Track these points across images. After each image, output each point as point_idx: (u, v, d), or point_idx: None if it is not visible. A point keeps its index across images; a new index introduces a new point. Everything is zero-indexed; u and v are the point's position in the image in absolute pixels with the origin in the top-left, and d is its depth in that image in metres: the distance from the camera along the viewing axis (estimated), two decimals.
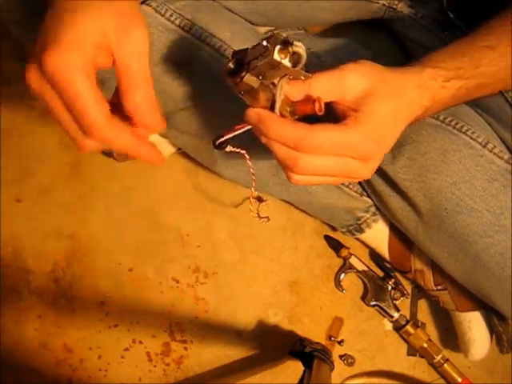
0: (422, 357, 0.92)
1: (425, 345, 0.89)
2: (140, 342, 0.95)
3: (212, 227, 0.97)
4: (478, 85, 0.54)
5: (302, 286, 0.96)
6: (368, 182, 0.79)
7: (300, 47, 0.45)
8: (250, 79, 0.46)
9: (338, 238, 0.95)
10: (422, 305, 0.95)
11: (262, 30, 0.82)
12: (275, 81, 0.47)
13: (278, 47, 0.44)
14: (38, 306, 0.96)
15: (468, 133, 0.67)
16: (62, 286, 0.96)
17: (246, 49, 0.46)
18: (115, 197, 0.99)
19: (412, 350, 0.92)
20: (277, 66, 0.45)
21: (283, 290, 0.96)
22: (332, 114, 0.50)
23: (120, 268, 0.97)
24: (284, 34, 0.45)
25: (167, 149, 0.96)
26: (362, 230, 0.87)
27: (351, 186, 0.82)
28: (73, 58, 0.40)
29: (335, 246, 0.95)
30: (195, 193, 0.97)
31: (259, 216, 0.74)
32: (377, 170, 0.73)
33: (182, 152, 0.97)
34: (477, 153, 0.66)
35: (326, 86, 0.48)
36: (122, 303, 0.96)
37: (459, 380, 0.89)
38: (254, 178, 0.57)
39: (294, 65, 0.45)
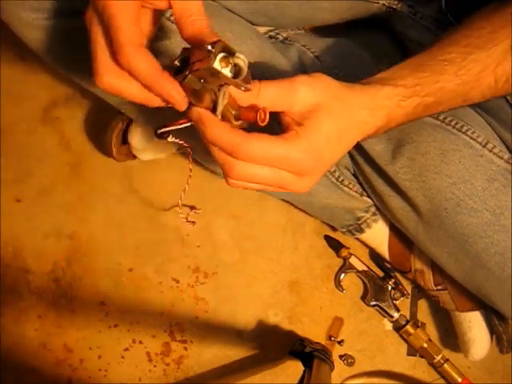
0: (422, 357, 0.92)
1: (425, 345, 0.89)
2: (140, 342, 0.95)
3: (212, 227, 0.97)
4: (435, 102, 0.53)
5: (302, 285, 0.96)
6: (368, 181, 0.79)
7: (241, 59, 0.44)
8: (192, 80, 0.46)
9: (338, 238, 0.95)
10: (422, 305, 0.94)
11: (263, 29, 0.82)
12: (222, 83, 0.46)
13: (220, 55, 0.44)
14: (37, 306, 0.96)
15: (468, 133, 0.67)
16: (62, 286, 0.97)
17: (194, 47, 0.46)
18: (115, 197, 0.99)
19: (412, 350, 0.92)
20: (216, 73, 0.44)
21: (283, 290, 0.96)
22: (278, 124, 0.49)
23: (120, 268, 0.97)
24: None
25: (167, 149, 0.96)
26: (361, 230, 0.87)
27: (351, 186, 0.82)
28: None
29: (335, 246, 0.95)
30: (195, 193, 0.97)
31: (187, 220, 0.74)
32: (377, 169, 0.75)
33: (182, 152, 0.97)
34: (477, 153, 0.66)
35: (274, 95, 0.47)
36: (122, 303, 0.96)
37: (459, 380, 0.89)
38: (191, 174, 0.56)
39: (235, 75, 0.45)
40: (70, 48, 0.67)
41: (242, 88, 0.46)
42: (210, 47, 0.44)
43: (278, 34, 0.84)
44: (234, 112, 0.48)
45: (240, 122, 0.48)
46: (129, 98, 0.47)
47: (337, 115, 0.48)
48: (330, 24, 0.85)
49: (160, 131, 0.51)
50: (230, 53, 0.44)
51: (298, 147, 0.46)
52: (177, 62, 0.47)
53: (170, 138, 0.52)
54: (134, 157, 0.94)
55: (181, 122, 0.50)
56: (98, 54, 0.46)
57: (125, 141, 0.92)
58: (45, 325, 0.95)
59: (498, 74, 0.53)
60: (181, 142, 0.53)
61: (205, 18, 0.46)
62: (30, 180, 1.00)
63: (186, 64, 0.46)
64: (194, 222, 0.77)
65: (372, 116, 0.50)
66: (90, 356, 0.94)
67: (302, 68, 0.81)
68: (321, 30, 0.89)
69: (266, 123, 0.47)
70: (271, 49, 0.76)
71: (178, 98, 0.46)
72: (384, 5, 0.84)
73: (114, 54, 0.45)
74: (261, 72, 0.73)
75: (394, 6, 0.84)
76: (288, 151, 0.46)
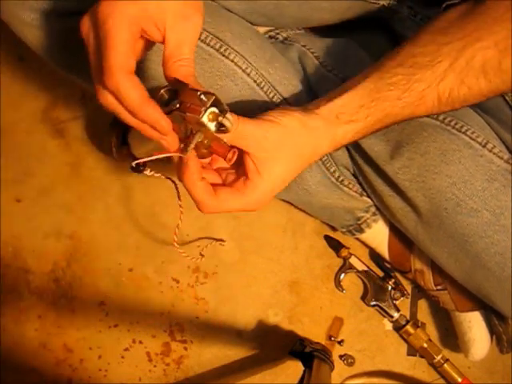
0: (422, 357, 0.92)
1: (425, 345, 0.89)
2: (140, 342, 0.95)
3: (212, 227, 0.97)
4: (382, 126, 0.58)
5: (302, 286, 0.96)
6: (368, 182, 0.79)
7: (229, 121, 0.46)
8: (175, 116, 0.47)
9: (338, 238, 0.95)
10: (422, 305, 0.94)
11: (262, 29, 0.82)
12: (203, 131, 0.48)
13: (210, 110, 0.45)
14: (37, 306, 0.96)
15: (468, 133, 0.67)
16: (62, 286, 0.97)
17: (186, 85, 0.47)
18: (115, 197, 0.99)
19: (412, 350, 0.92)
20: (202, 125, 0.46)
21: (283, 290, 0.96)
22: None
23: (120, 268, 0.97)
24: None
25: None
26: (361, 230, 0.87)
27: (351, 186, 0.82)
28: (124, 10, 0.44)
29: (335, 245, 0.95)
30: None
31: (201, 254, 0.76)
32: (376, 170, 0.75)
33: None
34: (476, 153, 0.66)
35: (248, 136, 0.51)
36: (122, 303, 0.96)
37: (459, 380, 0.89)
38: (180, 203, 0.58)
39: (219, 128, 0.47)
40: (70, 48, 0.67)
41: (222, 142, 0.49)
42: (202, 96, 0.45)
43: (277, 34, 0.84)
44: (206, 141, 0.49)
45: (209, 150, 0.51)
46: (124, 119, 0.48)
47: (294, 164, 0.54)
48: (329, 24, 0.85)
49: (135, 163, 0.51)
50: (220, 110, 0.46)
51: (255, 197, 0.53)
52: (164, 93, 0.48)
53: (149, 173, 0.52)
54: (134, 157, 0.94)
55: (155, 153, 0.50)
56: (95, 79, 0.46)
57: (125, 141, 0.92)
58: (45, 325, 0.95)
59: (440, 90, 0.55)
60: (158, 175, 0.54)
61: (192, 65, 0.48)
62: (30, 180, 1.00)
63: (173, 96, 0.48)
64: (202, 256, 0.78)
65: (326, 152, 0.57)
66: (90, 356, 0.94)
67: (302, 68, 0.81)
68: (321, 30, 0.89)
69: (231, 163, 0.52)
70: (271, 49, 0.76)
71: (165, 126, 0.47)
72: (384, 5, 0.84)
73: (102, 74, 0.44)
74: (260, 74, 0.73)
75: (394, 7, 0.84)
76: (249, 200, 0.53)
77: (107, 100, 0.47)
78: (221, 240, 0.94)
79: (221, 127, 0.47)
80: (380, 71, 0.57)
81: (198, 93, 0.45)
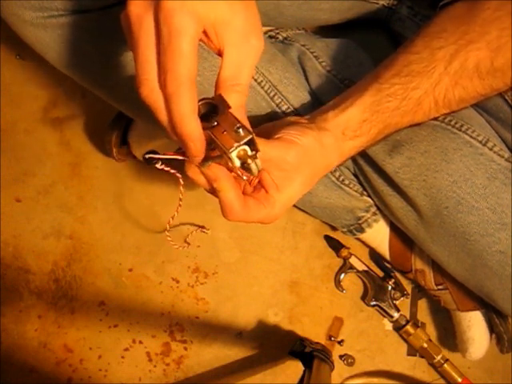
0: (422, 357, 0.92)
1: (425, 345, 0.89)
2: (140, 342, 0.94)
3: (212, 227, 0.98)
4: (384, 136, 0.61)
5: (302, 286, 0.96)
6: (368, 181, 0.79)
7: (256, 166, 0.46)
8: (206, 134, 0.45)
9: (338, 237, 0.95)
10: (422, 305, 0.94)
11: (263, 29, 0.82)
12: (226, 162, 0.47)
13: (242, 147, 0.44)
14: (37, 306, 0.96)
15: (468, 132, 0.67)
16: (62, 286, 0.96)
17: (228, 107, 0.44)
18: (115, 197, 0.99)
19: (412, 350, 0.92)
20: (228, 157, 0.45)
21: (283, 290, 0.96)
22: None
23: (120, 268, 0.97)
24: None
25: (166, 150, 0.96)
26: (362, 230, 0.87)
27: (352, 186, 0.82)
28: (193, 7, 0.40)
29: (335, 245, 0.95)
30: (195, 193, 0.97)
31: (186, 242, 0.75)
32: (377, 169, 0.75)
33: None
34: (477, 151, 0.66)
35: (269, 159, 0.51)
36: (122, 303, 0.96)
37: (459, 380, 0.89)
38: (180, 203, 0.57)
39: (244, 166, 0.46)
40: (71, 46, 0.67)
41: (241, 178, 0.50)
42: (240, 130, 0.43)
43: (277, 33, 0.84)
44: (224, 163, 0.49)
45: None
46: (158, 117, 0.45)
47: (309, 181, 0.57)
48: (329, 24, 0.85)
49: (148, 156, 0.50)
50: (251, 151, 0.45)
51: (275, 211, 0.54)
52: (201, 106, 0.45)
53: (159, 166, 0.51)
54: (134, 157, 0.94)
55: (170, 153, 0.50)
56: (145, 73, 0.43)
57: (125, 141, 0.92)
58: (45, 325, 0.95)
59: (436, 94, 0.57)
60: (171, 171, 0.53)
61: (247, 94, 0.46)
62: (30, 180, 1.00)
63: (210, 112, 0.45)
64: (188, 244, 0.79)
65: (335, 166, 0.60)
66: (90, 356, 0.94)
67: (302, 68, 0.81)
68: (321, 30, 0.89)
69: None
70: (271, 48, 0.76)
71: (199, 148, 0.45)
72: (384, 5, 0.84)
73: (162, 72, 0.41)
74: (261, 73, 0.73)
75: (394, 7, 0.84)
76: (267, 215, 0.54)
77: (151, 96, 0.43)
78: (203, 227, 0.95)
79: (245, 167, 0.46)
80: (378, 82, 0.58)
81: (237, 125, 0.43)
